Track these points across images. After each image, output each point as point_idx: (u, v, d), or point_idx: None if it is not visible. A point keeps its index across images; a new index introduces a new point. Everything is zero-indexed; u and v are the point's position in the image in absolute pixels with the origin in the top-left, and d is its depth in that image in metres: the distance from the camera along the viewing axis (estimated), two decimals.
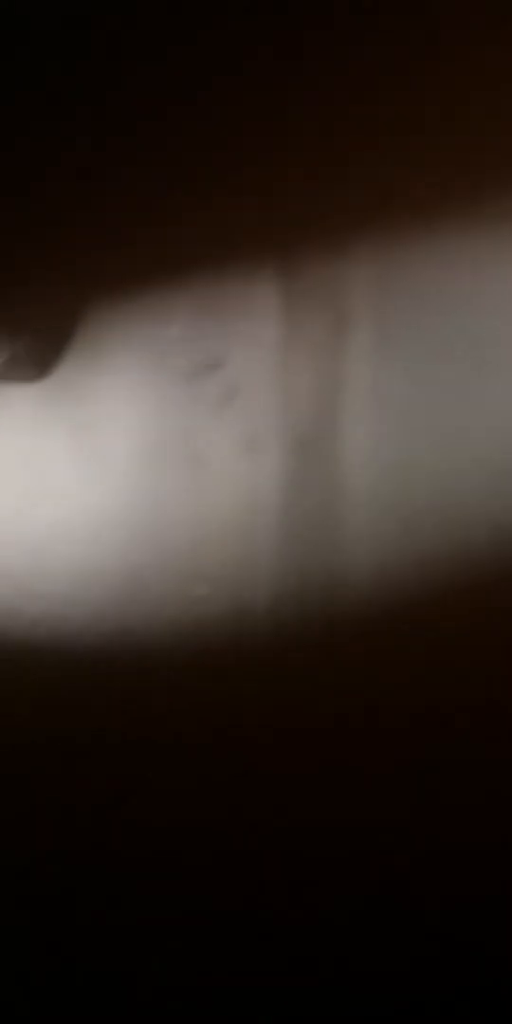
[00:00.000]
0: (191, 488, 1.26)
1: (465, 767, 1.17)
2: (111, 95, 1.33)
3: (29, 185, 1.35)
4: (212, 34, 1.32)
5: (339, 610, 1.22)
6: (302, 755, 1.21)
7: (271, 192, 1.31)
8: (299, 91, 1.30)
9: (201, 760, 1.22)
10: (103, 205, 1.33)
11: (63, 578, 1.26)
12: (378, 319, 1.26)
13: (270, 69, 1.30)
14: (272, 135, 1.31)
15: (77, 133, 1.34)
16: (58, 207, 1.30)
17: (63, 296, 1.32)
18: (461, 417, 1.24)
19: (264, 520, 1.25)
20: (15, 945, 1.24)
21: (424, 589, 1.22)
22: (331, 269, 1.29)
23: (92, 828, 1.22)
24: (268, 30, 1.31)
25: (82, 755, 1.24)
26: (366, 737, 1.19)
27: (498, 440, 1.22)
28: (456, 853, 1.15)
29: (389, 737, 1.19)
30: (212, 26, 1.32)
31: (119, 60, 1.34)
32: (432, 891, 1.15)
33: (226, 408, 1.29)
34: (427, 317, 1.25)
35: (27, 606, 1.27)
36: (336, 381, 1.26)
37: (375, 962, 1.16)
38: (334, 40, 1.31)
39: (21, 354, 1.30)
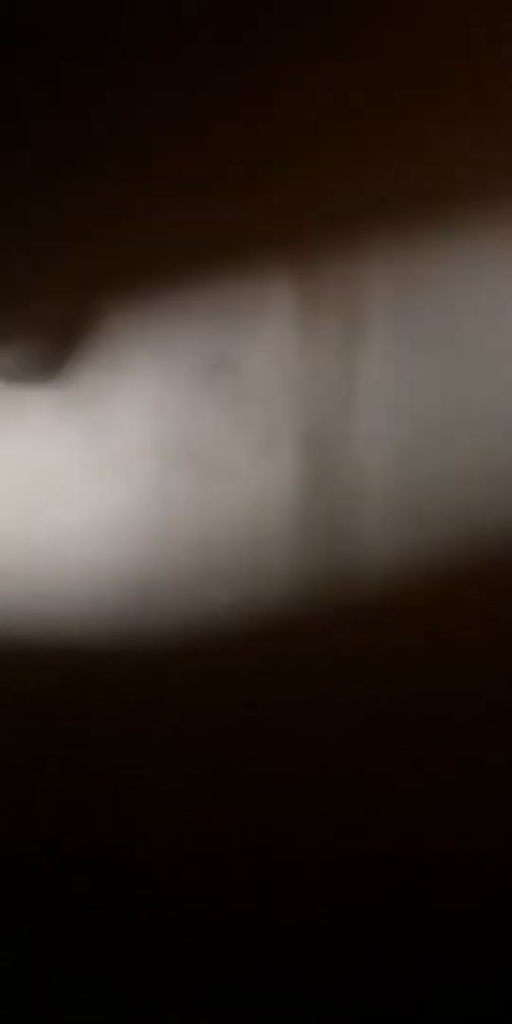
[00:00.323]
0: (205, 490, 1.26)
1: (488, 762, 1.17)
2: (122, 92, 1.32)
3: (43, 181, 1.34)
4: (217, 31, 1.31)
5: (354, 611, 1.22)
6: (318, 756, 1.21)
7: (285, 190, 1.30)
8: (313, 85, 1.29)
9: (216, 762, 1.22)
10: (117, 202, 1.33)
11: (77, 580, 1.26)
12: (394, 319, 1.26)
13: (285, 66, 1.29)
14: (286, 133, 1.30)
15: (90, 128, 1.33)
16: (71, 205, 1.29)
17: (76, 296, 1.31)
18: (478, 418, 1.24)
19: (278, 522, 1.24)
20: (21, 942, 1.24)
21: (440, 590, 1.21)
22: (346, 268, 1.28)
23: (108, 831, 1.23)
24: (279, 25, 1.30)
25: (97, 757, 1.24)
26: (383, 737, 1.19)
27: None
28: (489, 852, 1.16)
29: (407, 737, 1.19)
30: (220, 20, 1.31)
31: (127, 58, 1.33)
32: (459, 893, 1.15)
33: (240, 410, 1.28)
34: (443, 317, 1.25)
35: (41, 608, 1.26)
36: (351, 381, 1.26)
37: (383, 963, 1.16)
38: (348, 32, 1.30)
39: (34, 355, 1.29)
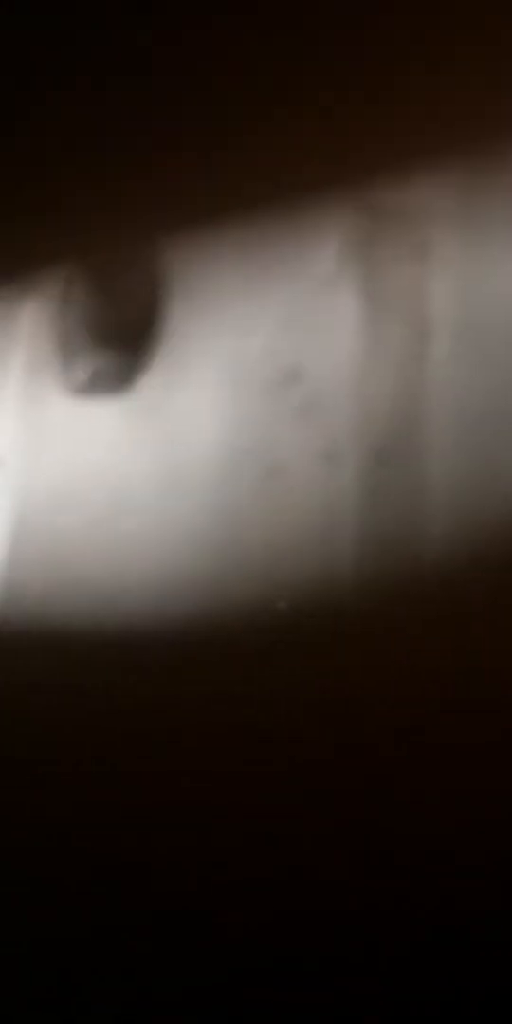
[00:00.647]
0: (270, 500, 1.26)
1: None
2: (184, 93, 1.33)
3: (107, 187, 1.36)
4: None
5: (421, 620, 1.20)
6: (383, 757, 1.19)
7: (350, 195, 1.28)
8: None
9: (283, 766, 1.22)
10: (182, 207, 1.34)
11: (144, 590, 1.28)
12: (459, 327, 1.23)
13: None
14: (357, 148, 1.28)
15: (157, 136, 1.35)
16: (136, 213, 1.30)
17: (145, 311, 1.33)
18: None
19: (343, 531, 1.23)
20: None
21: (506, 596, 1.18)
22: (411, 276, 1.26)
23: (174, 832, 1.24)
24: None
25: (165, 759, 1.26)
26: (449, 742, 1.17)
27: None
28: None
29: (469, 738, 1.16)
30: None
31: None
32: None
33: (305, 419, 1.28)
34: (508, 323, 1.21)
35: (108, 618, 1.29)
36: (416, 391, 1.24)
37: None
38: None
39: (104, 368, 1.31)
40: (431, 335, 1.25)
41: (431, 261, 1.28)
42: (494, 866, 1.12)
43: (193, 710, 1.25)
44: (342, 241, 1.34)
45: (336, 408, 1.27)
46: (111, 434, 1.30)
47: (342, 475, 1.24)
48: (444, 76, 1.31)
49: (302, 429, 1.27)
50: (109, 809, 1.25)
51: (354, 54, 1.34)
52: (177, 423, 1.30)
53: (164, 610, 1.27)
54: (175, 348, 1.32)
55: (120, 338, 1.31)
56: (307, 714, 1.22)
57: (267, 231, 1.35)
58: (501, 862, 1.11)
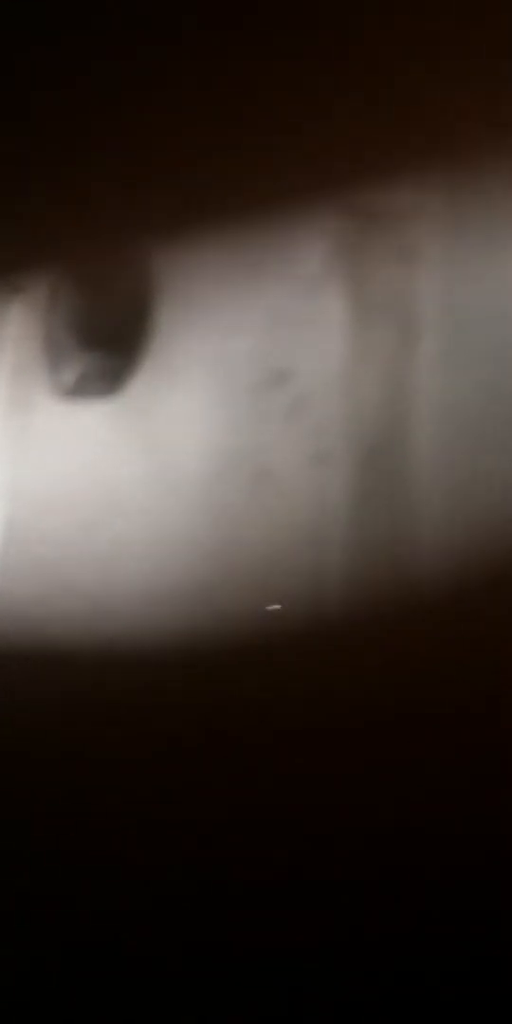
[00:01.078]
0: (260, 502, 1.26)
1: None
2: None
3: (94, 190, 1.36)
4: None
5: (410, 621, 1.20)
6: (374, 761, 1.19)
7: (338, 194, 1.29)
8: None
9: (271, 770, 1.22)
10: (170, 210, 1.34)
11: (134, 593, 1.27)
12: (447, 326, 1.23)
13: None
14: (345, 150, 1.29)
15: (141, 140, 1.35)
16: (126, 217, 1.30)
17: (133, 313, 1.33)
18: None
19: (333, 532, 1.23)
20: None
21: (495, 599, 1.19)
22: (398, 278, 1.26)
23: (159, 839, 1.23)
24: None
25: (154, 766, 1.25)
26: (435, 738, 1.17)
27: None
28: None
29: (459, 739, 1.16)
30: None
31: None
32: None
33: (294, 421, 1.28)
34: (496, 324, 1.21)
35: (98, 622, 1.28)
36: (404, 391, 1.24)
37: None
38: None
39: (92, 371, 1.31)
40: (418, 336, 1.25)
41: (417, 263, 1.29)
42: (484, 870, 1.12)
43: (184, 713, 1.25)
44: (329, 243, 1.35)
45: (325, 410, 1.27)
46: (100, 436, 1.30)
47: (331, 476, 1.24)
48: (430, 80, 1.31)
49: (291, 431, 1.27)
50: (102, 815, 1.24)
51: (341, 59, 1.35)
52: (166, 426, 1.30)
53: (154, 613, 1.26)
54: (163, 351, 1.32)
55: (108, 341, 1.31)
56: (297, 715, 1.22)
57: (254, 233, 1.36)
58: (489, 867, 1.11)
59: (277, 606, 1.23)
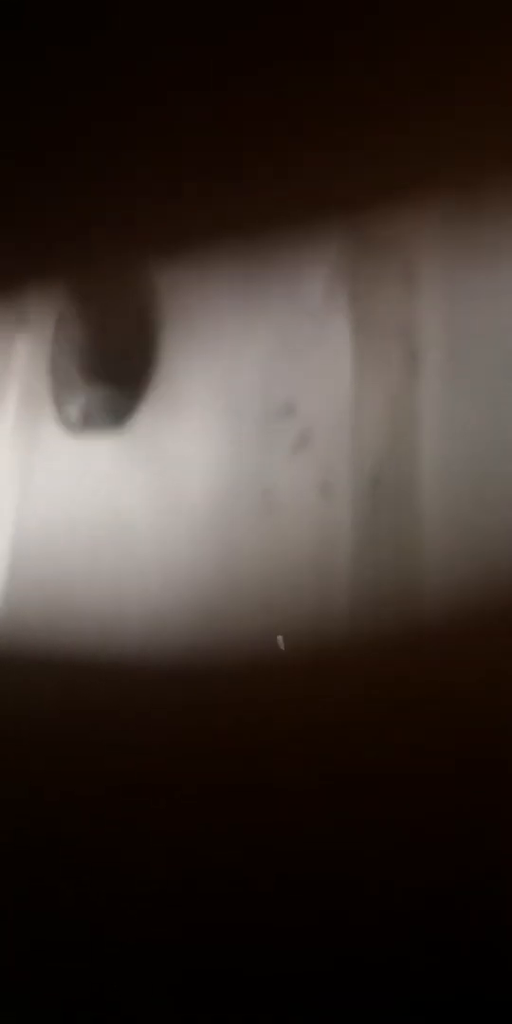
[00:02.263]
0: (267, 533, 1.26)
1: None
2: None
3: (97, 222, 1.37)
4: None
5: (415, 650, 1.21)
6: (379, 788, 1.20)
7: (337, 225, 1.30)
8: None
9: (279, 796, 1.23)
10: (176, 246, 1.35)
11: (141, 620, 1.28)
12: (448, 355, 1.24)
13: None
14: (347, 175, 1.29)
15: (145, 173, 1.35)
16: (128, 251, 1.31)
17: (138, 345, 1.33)
18: None
19: (339, 562, 1.24)
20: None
21: (502, 629, 1.19)
22: (399, 305, 1.27)
23: (172, 864, 1.24)
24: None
25: (162, 789, 1.26)
26: (445, 773, 1.18)
27: None
28: None
29: (466, 769, 1.17)
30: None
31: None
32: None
33: (300, 451, 1.28)
34: (500, 349, 1.22)
35: (106, 647, 1.29)
36: (409, 419, 1.25)
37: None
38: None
39: (98, 402, 1.32)
40: (421, 363, 1.26)
41: (418, 289, 1.30)
42: (484, 900, 1.13)
43: (189, 736, 1.25)
44: (330, 271, 1.36)
45: (330, 439, 1.28)
46: (107, 467, 1.31)
47: (338, 506, 1.25)
48: (429, 105, 1.32)
49: (297, 461, 1.28)
50: (107, 835, 1.25)
51: (339, 86, 1.36)
52: (172, 457, 1.31)
53: (160, 640, 1.27)
54: (169, 382, 1.33)
55: (114, 373, 1.32)
56: (300, 740, 1.23)
57: (257, 262, 1.37)
58: (489, 897, 1.12)
59: (283, 639, 1.24)
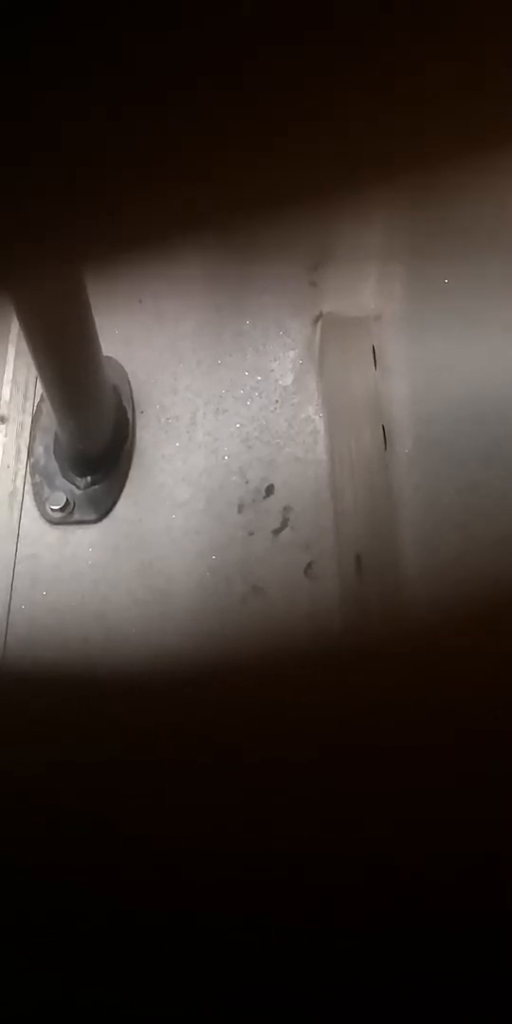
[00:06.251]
0: (252, 618, 1.27)
1: None
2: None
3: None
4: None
5: (406, 734, 1.21)
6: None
7: (303, 306, 1.33)
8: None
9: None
10: (150, 336, 1.36)
11: (126, 723, 1.27)
12: (417, 428, 1.28)
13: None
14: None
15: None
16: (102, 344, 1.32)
17: (116, 436, 1.34)
18: None
19: (327, 644, 1.25)
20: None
21: (487, 703, 1.20)
22: (366, 382, 1.31)
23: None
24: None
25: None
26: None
27: None
28: None
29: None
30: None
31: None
32: None
33: (281, 534, 1.30)
34: (467, 423, 1.26)
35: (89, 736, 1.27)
36: (385, 493, 1.27)
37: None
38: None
39: (79, 496, 1.32)
40: (392, 437, 1.30)
41: (383, 366, 1.33)
42: (483, 911, 1.12)
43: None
44: (299, 352, 1.38)
45: (311, 519, 1.29)
46: (89, 559, 1.30)
47: (322, 586, 1.26)
48: (396, 179, 1.35)
49: (279, 544, 1.29)
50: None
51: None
52: (155, 546, 1.31)
53: (144, 738, 1.25)
54: (148, 471, 1.34)
55: (94, 465, 1.32)
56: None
57: (227, 349, 1.39)
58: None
59: None
